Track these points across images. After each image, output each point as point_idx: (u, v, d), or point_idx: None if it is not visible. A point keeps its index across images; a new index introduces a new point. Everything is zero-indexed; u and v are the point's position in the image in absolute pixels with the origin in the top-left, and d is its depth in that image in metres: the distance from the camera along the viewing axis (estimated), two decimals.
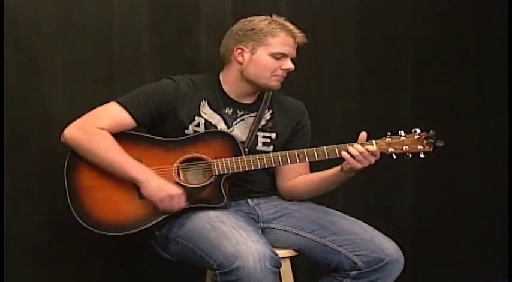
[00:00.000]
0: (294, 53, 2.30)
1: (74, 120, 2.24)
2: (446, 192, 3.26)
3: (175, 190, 2.16)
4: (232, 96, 2.32)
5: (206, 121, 2.28)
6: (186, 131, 2.26)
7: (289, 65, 2.28)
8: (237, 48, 2.28)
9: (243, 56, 2.28)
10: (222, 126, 2.29)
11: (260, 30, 2.27)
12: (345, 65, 3.04)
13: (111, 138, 2.19)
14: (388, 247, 2.16)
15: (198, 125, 2.27)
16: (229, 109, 2.31)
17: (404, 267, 2.19)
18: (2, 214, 2.30)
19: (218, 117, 2.30)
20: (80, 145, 2.19)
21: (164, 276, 2.62)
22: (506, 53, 3.33)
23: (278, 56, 2.26)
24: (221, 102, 2.31)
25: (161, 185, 2.16)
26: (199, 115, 2.28)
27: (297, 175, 2.36)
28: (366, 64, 3.06)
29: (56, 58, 2.43)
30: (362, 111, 3.04)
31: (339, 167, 2.23)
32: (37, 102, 2.42)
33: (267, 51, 2.26)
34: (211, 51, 2.68)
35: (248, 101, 2.34)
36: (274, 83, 2.29)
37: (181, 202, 2.17)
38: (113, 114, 2.23)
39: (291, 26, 2.29)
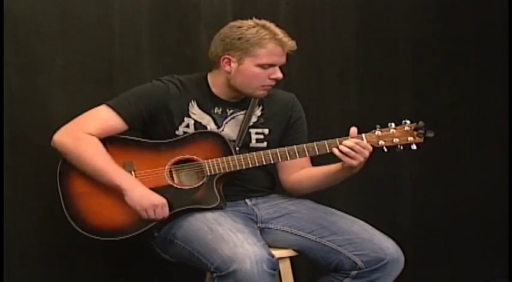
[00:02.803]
0: (282, 61, 2.25)
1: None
2: (446, 192, 3.25)
3: (158, 200, 2.15)
4: (220, 96, 2.31)
5: (196, 122, 2.27)
6: (176, 132, 2.26)
7: (277, 74, 2.24)
8: (224, 58, 2.24)
9: (230, 65, 2.24)
10: (211, 126, 2.28)
11: (247, 40, 2.20)
12: (345, 65, 3.04)
13: (99, 144, 2.18)
14: (388, 246, 2.16)
15: (187, 125, 2.26)
16: (218, 109, 2.30)
17: (404, 267, 2.19)
18: (2, 214, 2.30)
19: (208, 117, 2.29)
20: (67, 150, 2.18)
21: (164, 276, 2.62)
22: (506, 53, 3.33)
23: (266, 67, 2.22)
24: (209, 102, 2.30)
25: (144, 194, 2.14)
26: (188, 116, 2.27)
27: (299, 168, 2.36)
28: (366, 64, 3.06)
29: (56, 58, 2.43)
30: (362, 111, 3.04)
31: (340, 164, 2.22)
32: (37, 102, 2.42)
33: (254, 62, 2.22)
34: None
35: (237, 99, 2.33)
36: (260, 92, 2.26)
37: (164, 212, 2.15)
38: (103, 118, 2.22)
39: (280, 34, 2.22)
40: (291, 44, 2.24)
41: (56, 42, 2.43)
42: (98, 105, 2.26)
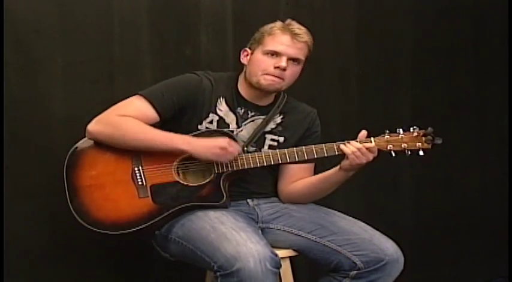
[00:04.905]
0: (291, 52, 2.25)
1: (74, 120, 2.24)
2: (446, 192, 3.26)
3: (221, 141, 2.17)
4: (245, 97, 2.33)
5: (220, 118, 2.28)
6: (199, 126, 2.27)
7: (280, 62, 2.24)
8: (244, 51, 2.31)
9: (246, 57, 2.31)
10: (233, 125, 2.29)
11: (262, 32, 2.28)
12: (345, 65, 3.04)
13: (136, 119, 2.19)
14: (388, 247, 2.17)
15: (211, 122, 2.27)
16: (241, 109, 2.31)
17: (404, 267, 2.19)
18: (2, 214, 2.31)
19: (232, 115, 2.30)
20: (108, 135, 2.18)
21: (164, 276, 2.62)
22: (506, 53, 3.33)
23: (271, 54, 2.24)
24: (235, 101, 2.31)
25: (207, 144, 2.17)
26: (215, 112, 2.28)
27: (298, 179, 2.35)
28: (366, 64, 3.06)
29: (56, 58, 2.43)
30: (362, 111, 3.04)
31: (337, 167, 2.23)
32: (37, 102, 2.42)
33: (262, 50, 2.26)
34: (211, 51, 2.69)
35: (262, 103, 2.34)
36: (264, 81, 2.26)
37: (234, 147, 2.17)
38: (138, 106, 2.23)
39: (293, 26, 2.27)
40: (302, 37, 2.26)
41: (56, 42, 2.43)
42: (98, 105, 2.26)
